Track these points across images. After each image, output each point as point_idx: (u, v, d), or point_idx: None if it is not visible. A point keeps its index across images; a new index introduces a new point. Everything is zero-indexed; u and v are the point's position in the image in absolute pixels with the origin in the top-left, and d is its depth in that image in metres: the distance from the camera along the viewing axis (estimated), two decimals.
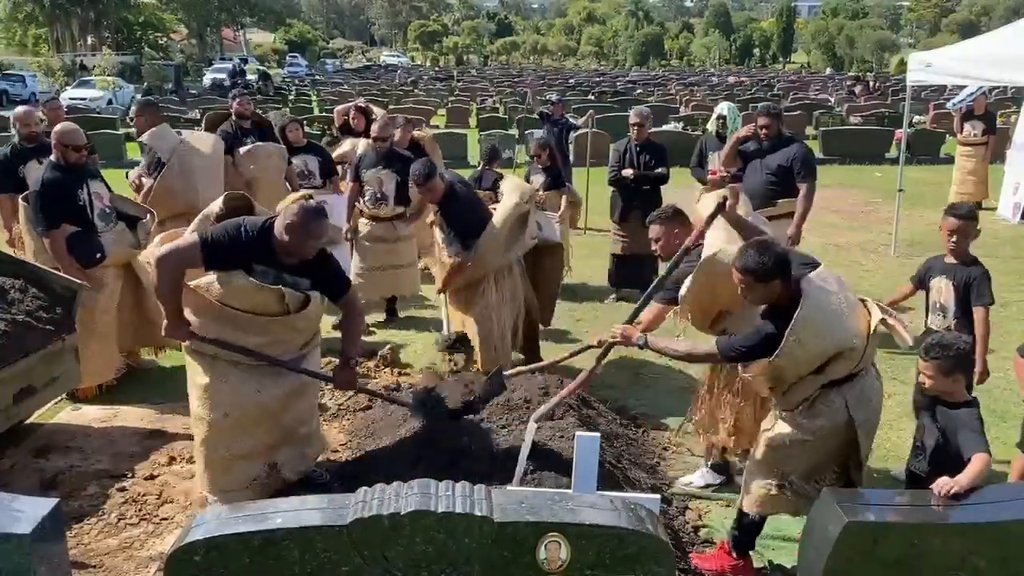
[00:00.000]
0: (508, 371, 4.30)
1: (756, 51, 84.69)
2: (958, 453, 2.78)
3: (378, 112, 7.97)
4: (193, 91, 35.10)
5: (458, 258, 4.89)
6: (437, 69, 64.67)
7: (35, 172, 5.51)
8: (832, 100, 28.19)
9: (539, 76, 41.88)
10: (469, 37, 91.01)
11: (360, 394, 4.72)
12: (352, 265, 6.50)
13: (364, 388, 4.42)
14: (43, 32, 47.60)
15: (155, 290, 3.61)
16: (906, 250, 8.93)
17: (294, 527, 2.02)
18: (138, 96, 30.02)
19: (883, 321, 3.03)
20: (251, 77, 37.33)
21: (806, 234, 5.75)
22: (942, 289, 4.05)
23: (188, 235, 3.65)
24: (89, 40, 47.33)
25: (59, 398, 4.89)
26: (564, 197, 7.37)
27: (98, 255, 4.88)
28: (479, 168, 7.38)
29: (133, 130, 7.48)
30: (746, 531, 3.32)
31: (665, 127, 17.65)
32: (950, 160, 12.27)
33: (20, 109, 6.19)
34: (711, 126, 7.05)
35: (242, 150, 6.63)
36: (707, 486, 4.09)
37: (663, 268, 5.33)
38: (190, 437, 3.92)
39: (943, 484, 2.55)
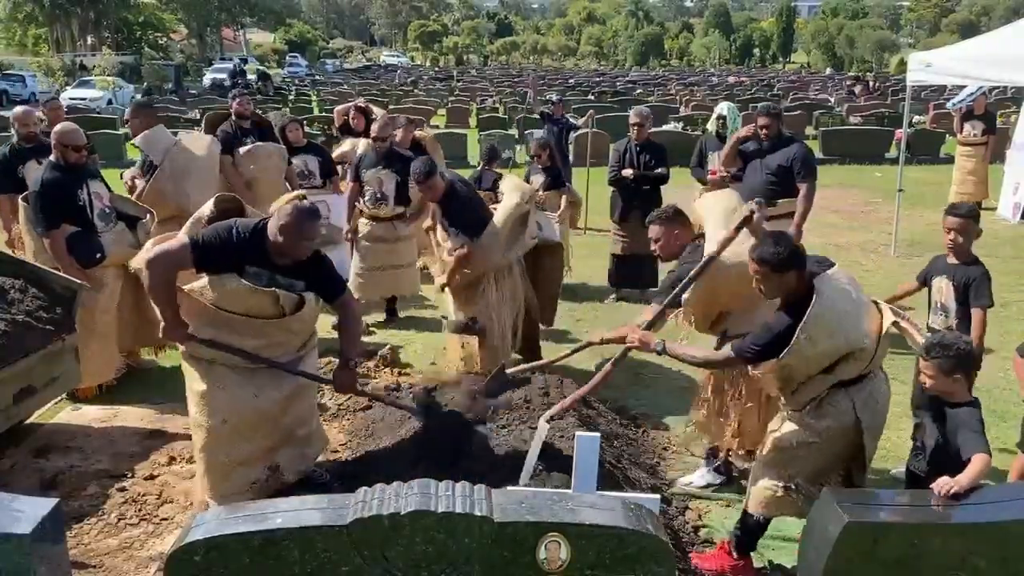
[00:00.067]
0: (511, 369, 4.30)
1: (756, 51, 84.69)
2: (958, 453, 2.78)
3: (378, 112, 7.98)
4: (193, 91, 35.12)
5: (464, 248, 4.87)
6: (437, 69, 64.66)
7: (34, 172, 5.51)
8: (832, 100, 28.19)
9: (539, 76, 41.87)
10: (469, 37, 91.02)
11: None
12: (352, 265, 6.50)
13: (364, 391, 4.40)
14: (43, 32, 47.61)
15: (148, 293, 3.57)
16: (906, 250, 8.93)
17: (294, 527, 2.02)
18: (138, 96, 30.11)
19: (896, 324, 3.03)
20: (251, 77, 37.34)
21: (806, 234, 5.75)
22: (943, 289, 4.06)
23: (178, 237, 3.61)
24: (89, 40, 47.34)
25: (59, 398, 4.89)
26: (564, 197, 7.37)
27: (98, 255, 4.89)
28: (479, 168, 7.38)
29: None
30: (749, 532, 3.31)
31: (665, 127, 17.66)
32: (950, 160, 12.27)
33: (18, 109, 6.19)
34: (711, 126, 7.05)
35: (242, 150, 6.62)
36: (707, 486, 4.09)
37: (663, 268, 5.34)
38: (190, 437, 3.91)
39: (943, 484, 2.55)
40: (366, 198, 6.33)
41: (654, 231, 3.83)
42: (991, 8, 71.30)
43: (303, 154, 7.26)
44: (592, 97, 28.84)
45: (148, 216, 5.25)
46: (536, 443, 3.34)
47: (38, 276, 4.59)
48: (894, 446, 4.39)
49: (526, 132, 16.89)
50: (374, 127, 6.49)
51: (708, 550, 3.51)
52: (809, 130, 19.84)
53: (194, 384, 3.65)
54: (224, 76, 37.82)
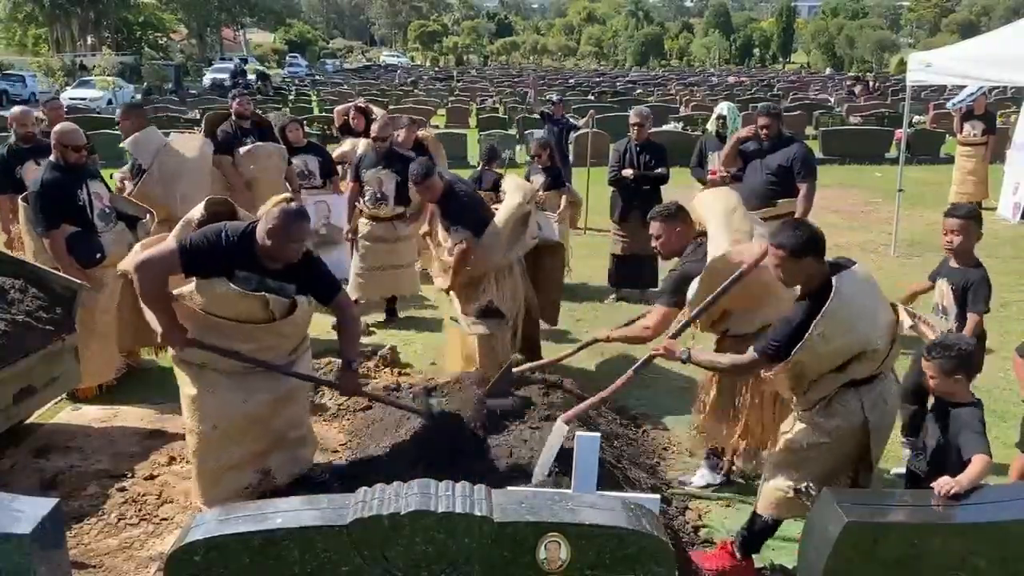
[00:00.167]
0: (517, 368, 4.30)
1: (756, 51, 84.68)
2: (959, 453, 2.79)
3: (378, 112, 7.98)
4: (193, 91, 35.13)
5: (464, 244, 4.85)
6: (437, 69, 64.66)
7: (32, 173, 5.50)
8: (832, 100, 28.19)
9: (539, 76, 41.90)
10: (469, 37, 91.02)
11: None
12: (352, 265, 6.51)
13: (369, 393, 4.36)
14: (43, 32, 47.61)
15: (140, 299, 3.53)
16: (906, 250, 8.93)
17: (294, 527, 2.02)
18: (138, 96, 30.14)
19: (913, 326, 3.04)
20: (250, 77, 37.37)
21: None
22: (944, 291, 4.06)
23: (166, 242, 3.58)
24: (89, 40, 47.35)
25: (59, 398, 4.89)
26: (564, 197, 7.38)
27: (98, 255, 4.88)
28: (479, 168, 7.39)
29: None
30: (757, 533, 3.31)
31: (665, 127, 17.66)
32: (950, 160, 12.27)
33: (16, 109, 6.18)
34: (711, 126, 7.05)
35: (242, 150, 6.62)
36: (707, 486, 4.09)
37: (663, 268, 5.34)
38: None
39: (943, 484, 2.56)
40: (366, 198, 6.33)
41: (655, 228, 3.82)
42: (991, 8, 71.30)
43: (303, 154, 7.27)
44: (592, 97, 28.84)
45: (148, 216, 5.25)
46: (554, 444, 3.32)
47: (38, 276, 4.59)
48: (894, 446, 4.40)
49: (526, 132, 16.89)
50: (374, 127, 6.49)
51: (709, 550, 3.50)
52: (809, 130, 19.84)
53: (185, 388, 3.63)
54: (225, 76, 37.85)
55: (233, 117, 6.77)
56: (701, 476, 4.13)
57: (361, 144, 7.07)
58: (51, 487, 3.98)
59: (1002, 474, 3.74)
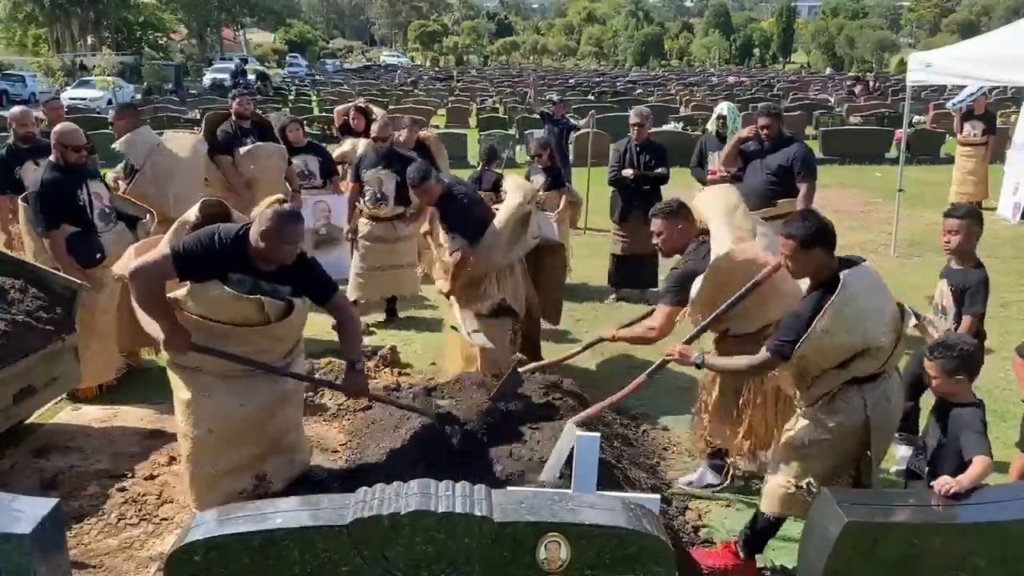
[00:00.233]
0: (523, 368, 4.29)
1: (756, 51, 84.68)
2: (959, 453, 2.79)
3: (378, 112, 7.98)
4: (193, 91, 35.14)
5: (460, 252, 4.86)
6: (437, 69, 64.67)
7: (31, 173, 5.50)
8: (832, 100, 28.20)
9: (539, 76, 41.90)
10: (469, 37, 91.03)
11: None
12: (352, 265, 6.51)
13: (376, 395, 4.30)
14: (43, 32, 47.61)
15: (138, 306, 3.51)
16: (906, 250, 8.93)
17: (294, 527, 2.02)
18: (138, 96, 30.14)
19: (917, 325, 3.04)
20: (250, 77, 37.37)
21: None
22: (944, 291, 4.07)
23: (159, 247, 3.54)
24: (89, 40, 47.35)
25: (59, 398, 4.89)
26: (564, 197, 7.38)
27: (98, 255, 4.88)
28: (479, 168, 7.39)
29: None
30: (760, 532, 3.30)
31: (665, 127, 17.67)
32: (950, 160, 12.27)
33: (16, 109, 6.18)
34: (711, 126, 7.05)
35: (242, 150, 6.62)
36: (707, 486, 4.09)
37: (663, 268, 5.33)
38: None
39: (943, 483, 2.56)
40: (366, 198, 6.33)
41: (657, 225, 3.81)
42: (991, 8, 71.30)
43: (303, 154, 7.28)
44: (592, 97, 28.85)
45: (148, 216, 5.25)
46: (564, 447, 3.31)
47: (38, 276, 4.59)
48: (894, 446, 4.40)
49: (526, 132, 16.90)
50: (374, 127, 6.49)
51: (710, 548, 3.50)
52: (809, 130, 19.85)
53: (180, 392, 3.60)
54: (226, 76, 37.84)
55: (233, 117, 6.77)
56: (701, 476, 4.13)
57: (361, 144, 7.07)
58: (51, 487, 3.98)
59: (1003, 472, 3.74)
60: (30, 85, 32.77)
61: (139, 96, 31.27)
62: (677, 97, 29.23)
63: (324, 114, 20.81)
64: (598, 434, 2.98)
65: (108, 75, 34.34)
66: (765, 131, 5.75)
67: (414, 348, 6.04)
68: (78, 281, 4.66)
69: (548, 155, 7.42)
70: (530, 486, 3.11)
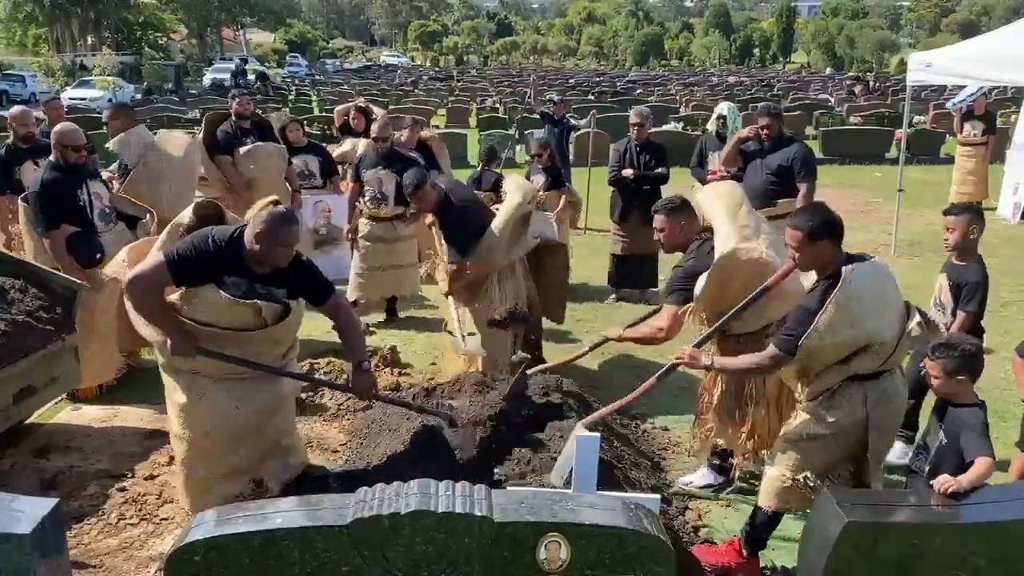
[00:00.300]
0: (531, 370, 4.29)
1: (756, 51, 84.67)
2: (960, 454, 2.78)
3: (378, 112, 7.99)
4: (193, 91, 35.13)
5: (453, 265, 4.88)
6: (437, 69, 64.66)
7: (31, 173, 5.50)
8: (832, 100, 28.19)
9: (539, 76, 41.89)
10: (469, 37, 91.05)
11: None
12: (352, 265, 6.51)
13: (385, 396, 4.23)
14: (43, 32, 47.63)
15: (138, 314, 3.47)
16: (906, 250, 8.93)
17: (294, 527, 2.02)
18: (138, 96, 30.14)
19: (920, 324, 3.04)
20: (250, 77, 37.37)
21: None
22: (943, 287, 4.08)
23: (153, 255, 3.52)
24: (89, 40, 47.36)
25: (59, 398, 4.89)
26: (564, 197, 7.39)
27: (98, 255, 4.88)
28: (478, 168, 7.40)
29: None
30: (759, 527, 3.30)
31: (665, 127, 17.67)
32: (950, 160, 12.27)
33: (15, 109, 6.18)
34: (711, 126, 7.06)
35: (242, 150, 6.63)
36: (707, 486, 4.09)
37: (663, 268, 5.32)
38: None
39: (943, 482, 2.56)
40: (366, 198, 6.33)
41: (659, 221, 3.80)
42: (991, 8, 71.30)
43: (303, 154, 7.28)
44: (592, 97, 28.85)
45: (148, 216, 5.25)
46: (572, 450, 3.30)
47: (38, 276, 4.59)
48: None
49: (526, 132, 16.90)
50: (374, 127, 6.49)
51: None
52: (809, 130, 19.85)
53: (174, 395, 3.58)
54: (225, 76, 37.84)
55: (233, 117, 6.77)
56: (701, 476, 4.13)
57: (361, 144, 7.08)
58: (51, 487, 3.98)
59: (1003, 470, 3.74)
60: (30, 85, 32.75)
61: (139, 96, 31.27)
62: (677, 97, 29.23)
63: (324, 114, 20.82)
64: (598, 434, 2.98)
65: (108, 75, 34.35)
66: (765, 131, 5.76)
67: (414, 348, 6.04)
68: (78, 281, 4.66)
69: (548, 155, 7.43)
70: (535, 487, 3.11)
